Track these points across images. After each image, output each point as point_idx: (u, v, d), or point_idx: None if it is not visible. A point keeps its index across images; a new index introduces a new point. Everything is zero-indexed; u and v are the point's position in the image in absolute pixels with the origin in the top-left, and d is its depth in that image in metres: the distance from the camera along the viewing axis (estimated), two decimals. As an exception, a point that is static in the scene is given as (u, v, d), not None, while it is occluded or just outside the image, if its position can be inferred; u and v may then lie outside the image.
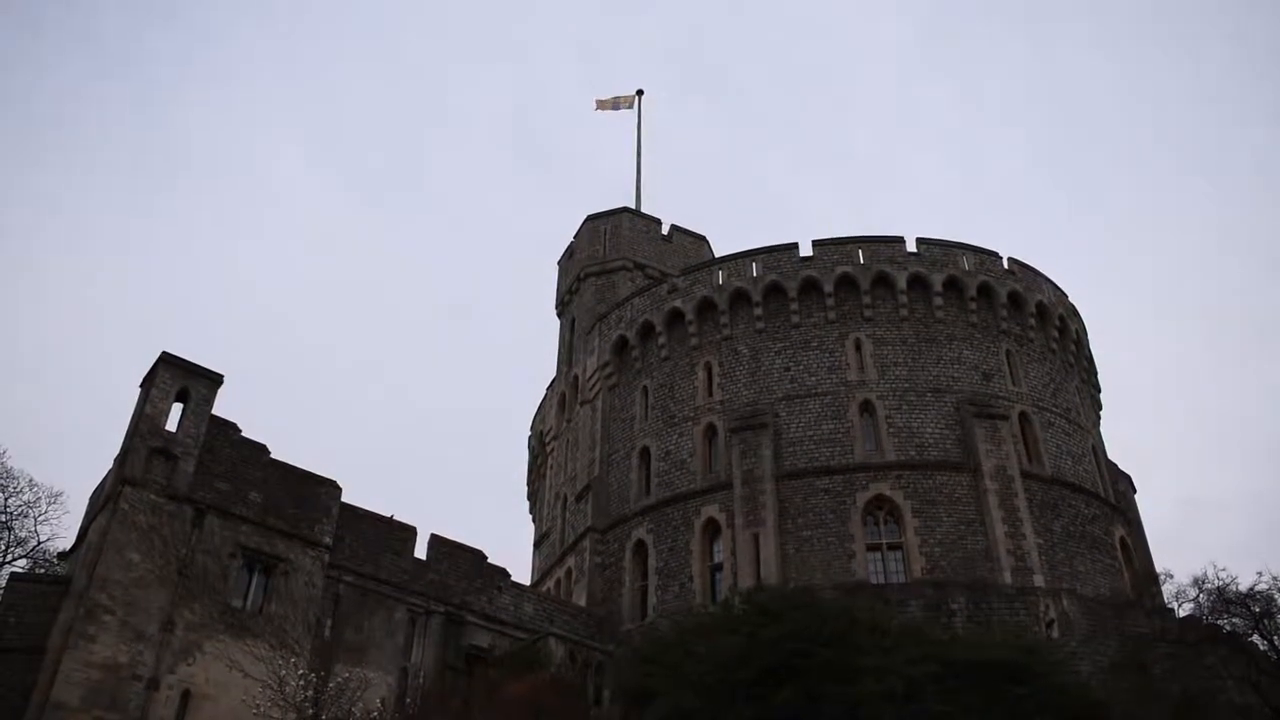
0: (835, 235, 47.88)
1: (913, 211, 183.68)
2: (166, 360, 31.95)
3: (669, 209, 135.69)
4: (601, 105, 71.63)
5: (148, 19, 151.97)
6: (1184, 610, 36.91)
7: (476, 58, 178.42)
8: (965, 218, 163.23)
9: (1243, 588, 33.32)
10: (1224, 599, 33.85)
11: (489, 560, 37.82)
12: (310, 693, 27.09)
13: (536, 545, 55.07)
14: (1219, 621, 34.33)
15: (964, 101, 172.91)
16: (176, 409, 31.79)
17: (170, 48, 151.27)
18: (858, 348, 44.91)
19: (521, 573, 50.51)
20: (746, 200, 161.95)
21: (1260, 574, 32.69)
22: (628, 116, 71.74)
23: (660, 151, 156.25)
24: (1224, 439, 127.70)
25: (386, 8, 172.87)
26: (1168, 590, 38.52)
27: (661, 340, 48.45)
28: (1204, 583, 35.72)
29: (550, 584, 48.35)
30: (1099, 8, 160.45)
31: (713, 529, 42.04)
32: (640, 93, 70.64)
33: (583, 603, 42.86)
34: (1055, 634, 34.66)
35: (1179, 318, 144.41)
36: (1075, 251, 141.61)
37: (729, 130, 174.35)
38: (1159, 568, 42.51)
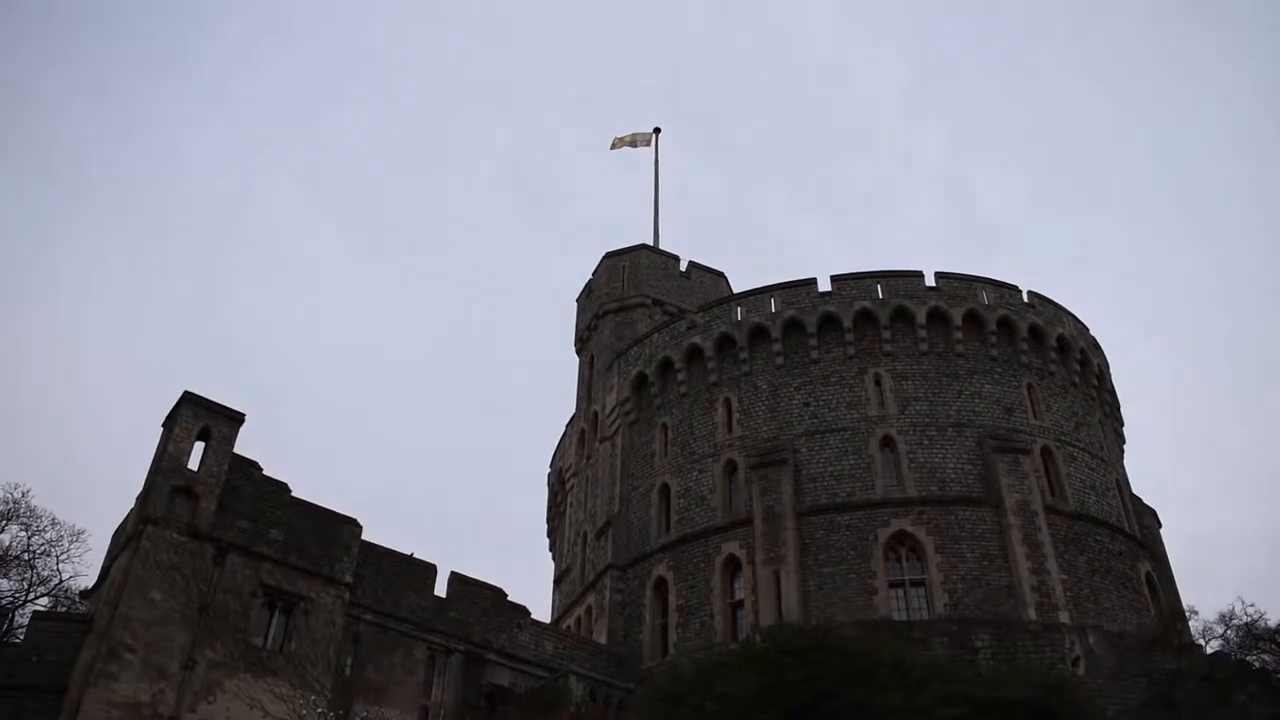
0: (852, 271, 47.90)
1: (914, 252, 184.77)
2: (189, 399, 32.11)
3: (674, 248, 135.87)
4: (618, 143, 71.41)
5: (155, 71, 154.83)
6: (1212, 646, 36.47)
7: (473, 105, 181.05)
8: (968, 256, 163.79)
9: (1271, 623, 32.95)
10: (1253, 635, 33.45)
11: (509, 598, 37.69)
12: (330, 732, 27.05)
13: (557, 582, 54.88)
14: (1248, 658, 33.89)
15: (960, 140, 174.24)
16: (198, 448, 31.88)
17: (175, 99, 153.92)
18: (878, 383, 44.76)
19: (541, 610, 50.38)
20: (746, 240, 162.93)
21: (1289, 609, 32.31)
22: (623, 157, 72.05)
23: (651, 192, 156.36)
24: (1235, 473, 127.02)
25: (384, 60, 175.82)
26: (1195, 626, 38.14)
27: (681, 377, 48.45)
28: (1232, 619, 35.36)
29: (570, 621, 48.14)
30: (1091, 43, 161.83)
31: (733, 566, 41.80)
32: (658, 130, 70.85)
33: (603, 640, 42.62)
34: (1081, 671, 34.22)
35: (1188, 351, 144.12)
36: (1077, 285, 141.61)
37: (726, 172, 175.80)
38: (1185, 603, 42.10)
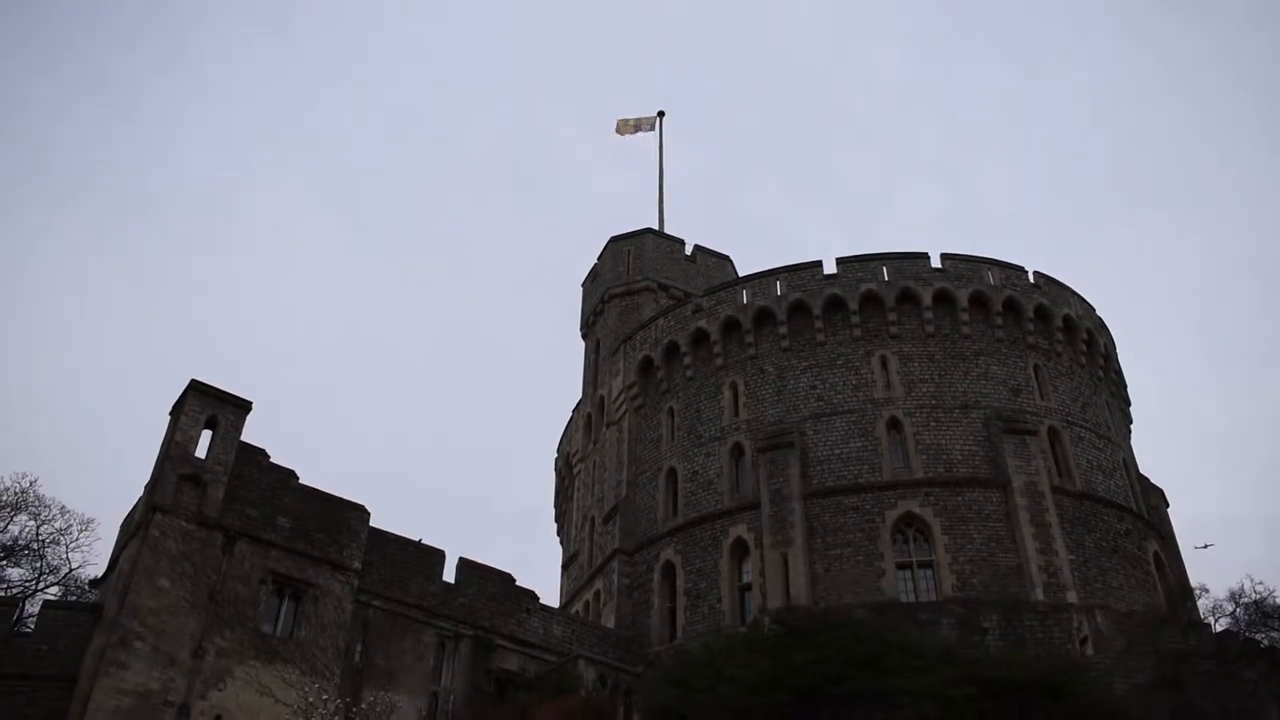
0: (857, 253, 47.74)
1: (915, 238, 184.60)
2: (196, 388, 32.13)
3: (678, 233, 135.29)
4: (623, 128, 71.23)
5: (155, 68, 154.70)
6: (1220, 625, 36.51)
7: (470, 94, 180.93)
8: (966, 242, 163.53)
9: (1280, 602, 32.96)
10: (1262, 613, 33.47)
11: (517, 583, 37.76)
12: (340, 718, 27.15)
13: (564, 567, 54.99)
14: (1256, 636, 33.91)
15: (955, 129, 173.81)
16: (206, 436, 31.93)
17: (174, 95, 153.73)
18: (884, 365, 44.66)
19: (550, 595, 50.48)
20: (747, 227, 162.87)
21: (1299, 588, 32.33)
22: (625, 144, 71.84)
23: (650, 178, 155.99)
24: (1235, 456, 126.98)
25: (380, 50, 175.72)
26: (1203, 605, 38.16)
27: (687, 360, 48.38)
28: (1241, 597, 35.38)
29: (579, 606, 48.22)
30: (1089, 29, 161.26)
31: (741, 549, 41.82)
32: (661, 114, 70.66)
33: (611, 625, 42.67)
34: (1090, 651, 34.24)
35: (1187, 335, 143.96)
36: (1076, 271, 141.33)
37: (725, 159, 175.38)
38: (1194, 582, 42.08)
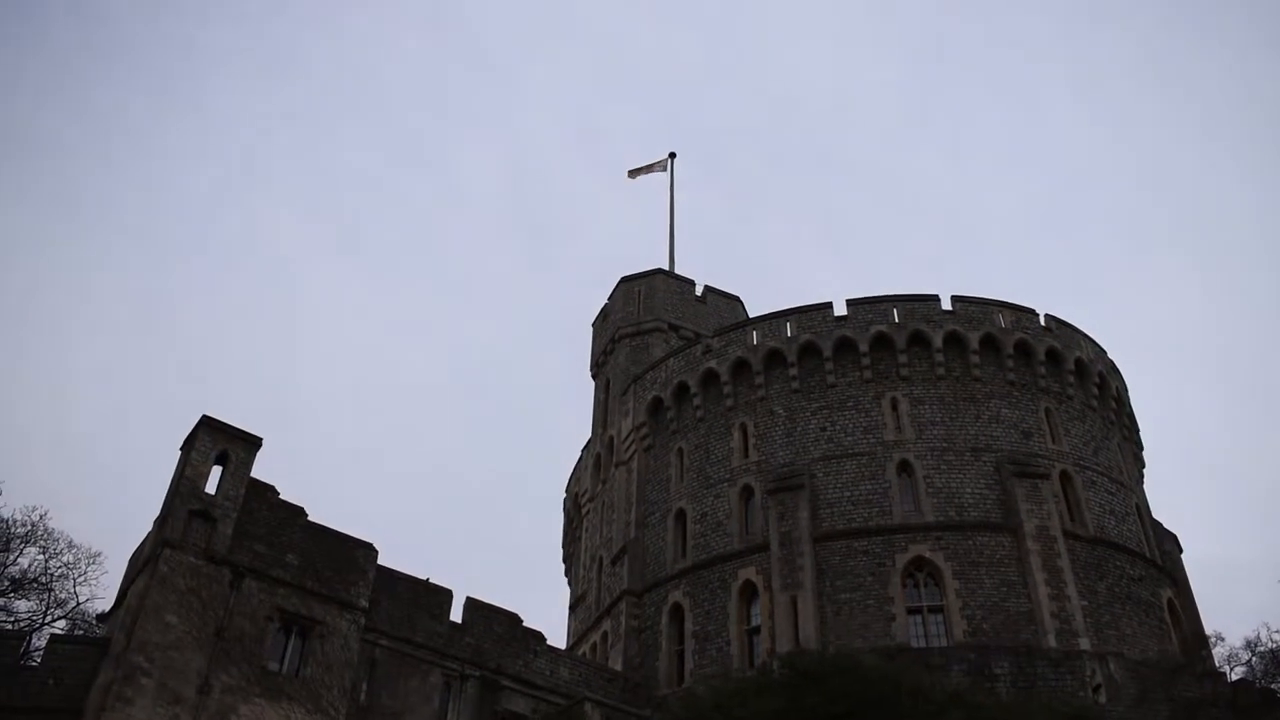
0: (868, 294, 47.85)
1: (918, 277, 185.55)
2: (207, 423, 32.19)
3: (687, 274, 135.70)
4: (635, 174, 72.45)
5: (162, 101, 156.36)
6: (1236, 674, 36.10)
7: (479, 137, 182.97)
8: (970, 280, 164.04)
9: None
10: (1278, 662, 33.07)
11: (524, 624, 37.55)
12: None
13: (572, 608, 54.69)
14: (1273, 686, 33.52)
15: (960, 165, 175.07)
16: (216, 472, 31.96)
17: (182, 133, 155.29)
18: (894, 407, 44.58)
19: (557, 636, 50.18)
20: (753, 268, 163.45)
21: (1315, 637, 32.01)
22: (634, 188, 72.59)
23: (656, 219, 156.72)
24: (1244, 499, 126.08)
25: (389, 94, 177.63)
26: (1218, 653, 37.77)
27: (696, 401, 48.37)
28: (1257, 646, 35.01)
29: (586, 648, 47.92)
30: (1088, 67, 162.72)
31: (750, 592, 41.56)
32: (672, 155, 71.46)
33: (619, 667, 42.38)
34: (1103, 699, 33.85)
35: (1190, 374, 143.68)
36: (1079, 310, 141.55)
37: (730, 201, 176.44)
38: (1209, 630, 41.65)
